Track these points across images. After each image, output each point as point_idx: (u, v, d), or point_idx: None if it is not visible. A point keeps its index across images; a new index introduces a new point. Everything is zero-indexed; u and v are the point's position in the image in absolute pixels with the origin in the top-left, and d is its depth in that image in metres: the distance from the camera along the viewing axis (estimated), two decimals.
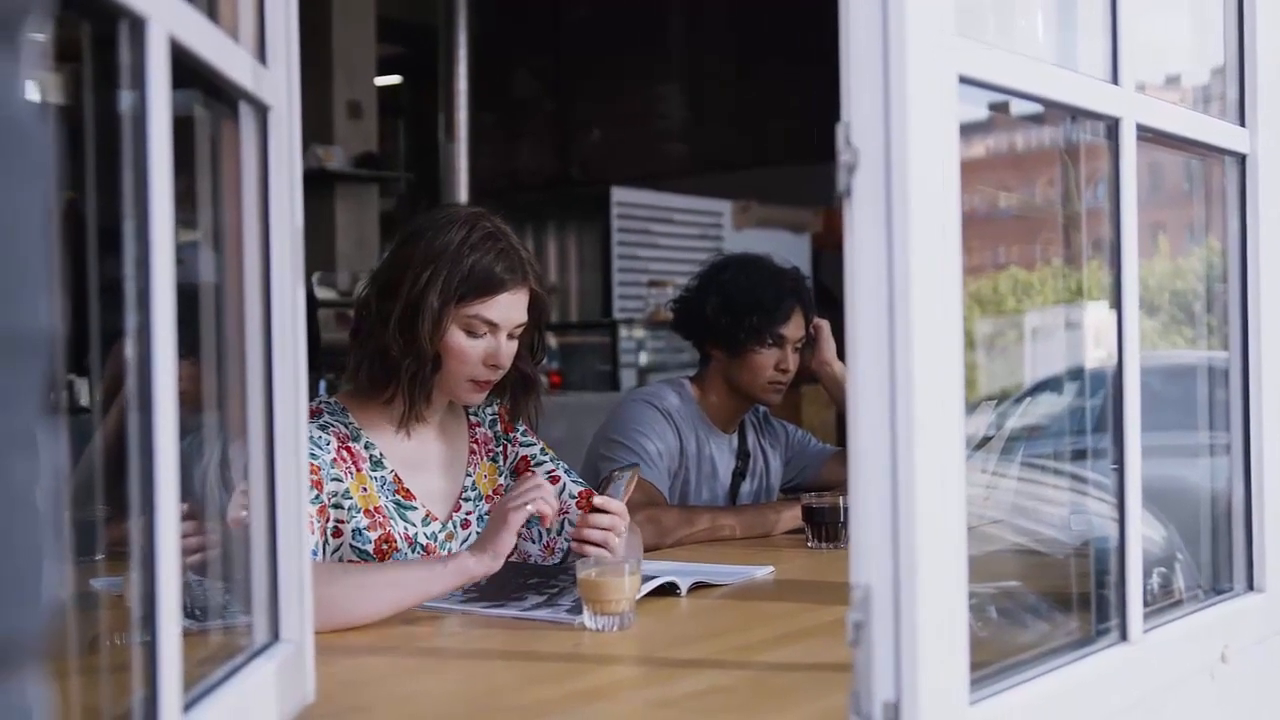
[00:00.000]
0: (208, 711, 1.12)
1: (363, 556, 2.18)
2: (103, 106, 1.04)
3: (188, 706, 1.08)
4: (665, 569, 2.19)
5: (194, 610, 1.35)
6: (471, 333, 2.22)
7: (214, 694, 1.17)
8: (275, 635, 1.38)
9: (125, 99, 1.01)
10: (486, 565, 1.99)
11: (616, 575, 1.87)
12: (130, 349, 1.00)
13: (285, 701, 1.35)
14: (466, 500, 2.36)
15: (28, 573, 0.55)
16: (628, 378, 7.37)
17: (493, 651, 1.81)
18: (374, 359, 2.23)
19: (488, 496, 2.39)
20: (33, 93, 0.61)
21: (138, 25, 0.99)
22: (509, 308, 2.23)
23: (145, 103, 1.00)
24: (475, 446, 2.41)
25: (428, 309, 2.18)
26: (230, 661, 1.28)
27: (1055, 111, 1.59)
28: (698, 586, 2.21)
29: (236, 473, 1.42)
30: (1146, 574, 1.59)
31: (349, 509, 2.17)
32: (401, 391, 2.23)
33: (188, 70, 1.11)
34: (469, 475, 2.38)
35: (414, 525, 2.25)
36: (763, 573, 2.37)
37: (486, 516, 2.35)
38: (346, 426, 2.25)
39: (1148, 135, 1.58)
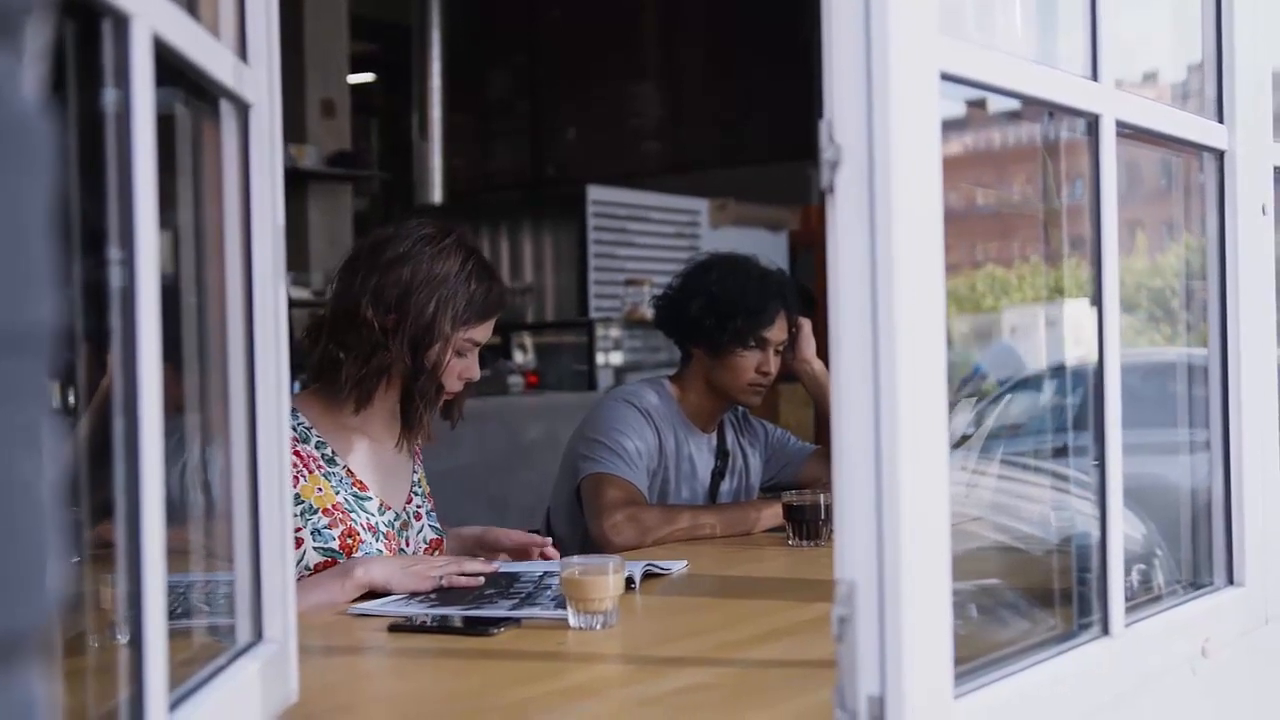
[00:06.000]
0: (192, 711, 1.12)
1: (328, 555, 2.20)
2: (84, 104, 1.03)
3: (173, 706, 1.07)
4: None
5: (174, 610, 1.34)
6: (460, 353, 2.30)
7: (198, 693, 1.17)
8: (259, 635, 1.37)
9: (108, 96, 1.00)
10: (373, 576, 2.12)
11: (600, 574, 1.87)
12: (115, 350, 0.99)
13: (269, 701, 1.34)
14: (416, 494, 2.45)
15: (34, 568, 0.55)
16: (604, 377, 7.36)
17: (476, 651, 1.80)
18: (377, 376, 2.27)
19: (428, 494, 2.49)
20: (35, 90, 0.61)
21: (121, 23, 0.99)
22: (491, 328, 2.36)
23: (129, 100, 0.99)
24: (416, 448, 2.49)
25: (440, 336, 2.26)
26: (214, 661, 1.27)
27: (1032, 108, 1.59)
28: (648, 576, 2.25)
29: (214, 473, 1.42)
30: (1126, 570, 1.60)
31: (302, 513, 2.19)
32: (412, 410, 2.30)
33: (168, 68, 1.10)
34: (415, 472, 2.47)
35: (373, 515, 2.30)
36: (677, 567, 2.38)
37: (433, 512, 2.47)
38: (295, 429, 2.25)
39: (1127, 131, 1.58)
